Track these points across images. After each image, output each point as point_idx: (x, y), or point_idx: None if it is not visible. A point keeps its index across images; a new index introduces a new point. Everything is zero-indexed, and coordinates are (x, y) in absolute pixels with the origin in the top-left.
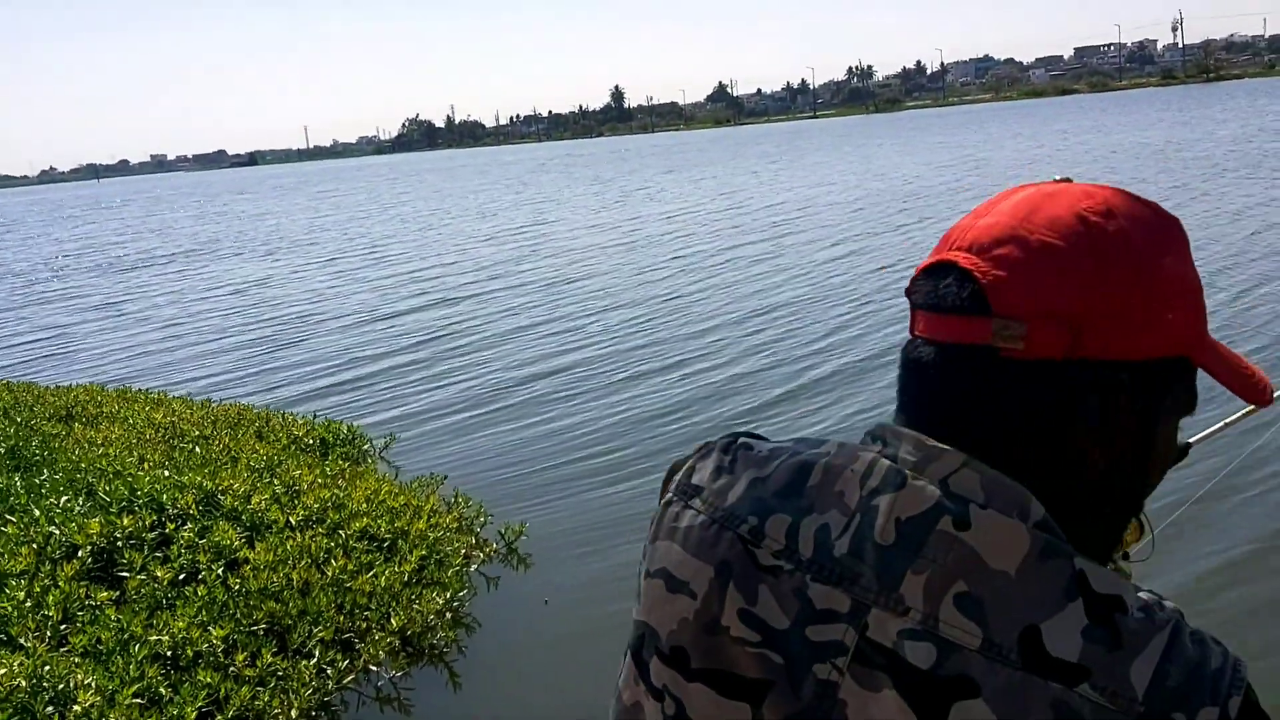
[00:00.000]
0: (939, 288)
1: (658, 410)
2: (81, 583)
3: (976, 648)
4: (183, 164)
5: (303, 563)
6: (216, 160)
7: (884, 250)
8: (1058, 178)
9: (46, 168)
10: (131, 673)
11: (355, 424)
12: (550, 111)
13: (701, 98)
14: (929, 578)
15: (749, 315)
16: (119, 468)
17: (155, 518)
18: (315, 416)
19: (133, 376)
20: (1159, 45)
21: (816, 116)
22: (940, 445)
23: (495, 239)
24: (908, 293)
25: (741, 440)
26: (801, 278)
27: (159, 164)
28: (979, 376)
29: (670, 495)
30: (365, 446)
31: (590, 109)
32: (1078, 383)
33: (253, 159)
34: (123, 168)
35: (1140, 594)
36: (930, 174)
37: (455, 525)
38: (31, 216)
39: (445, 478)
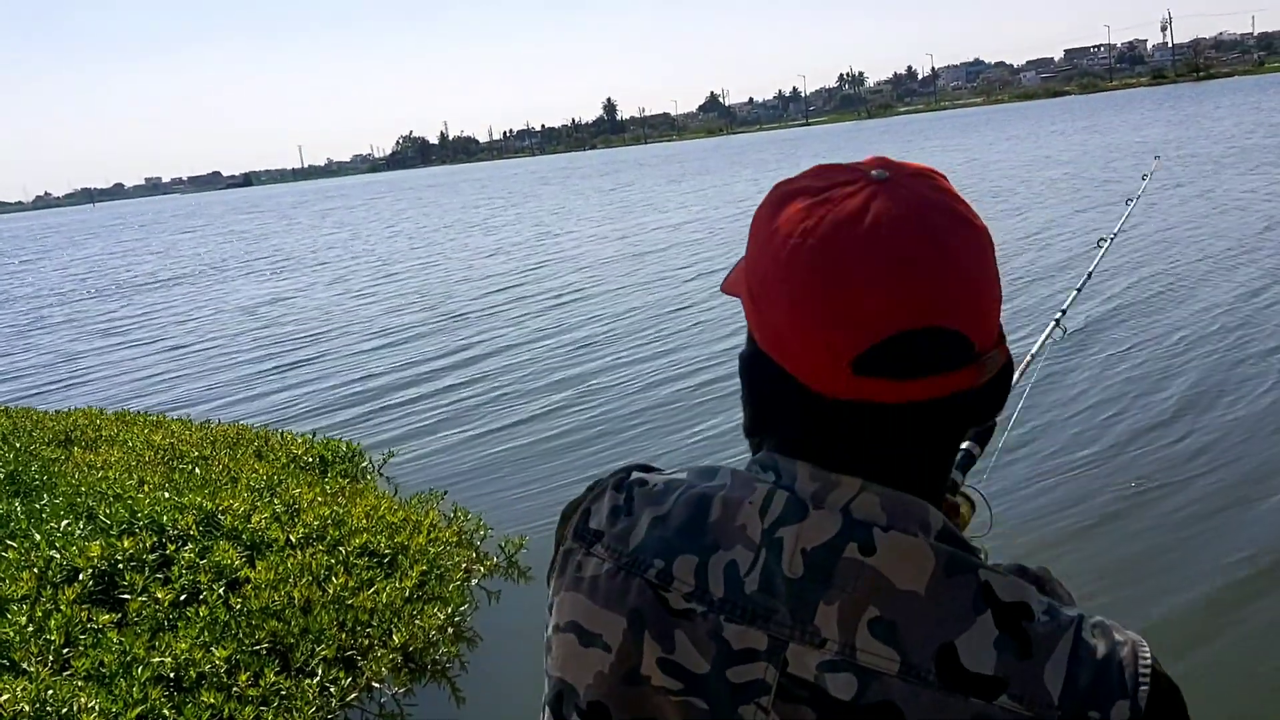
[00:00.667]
0: (914, 355)
1: (661, 422)
2: (83, 606)
3: (895, 672)
4: (178, 186)
5: (304, 581)
6: (211, 182)
7: None
8: (875, 173)
9: (41, 193)
10: (135, 695)
11: (355, 441)
12: (543, 125)
13: (693, 108)
14: (841, 606)
15: None
16: (119, 490)
17: (156, 539)
18: (314, 435)
19: (139, 399)
20: (1149, 45)
21: (809, 124)
22: (835, 474)
23: (500, 253)
24: (860, 367)
25: (635, 476)
26: None
27: (154, 187)
28: (943, 413)
29: (569, 542)
30: (364, 463)
31: (583, 122)
32: (1004, 378)
33: (248, 180)
34: (118, 191)
35: (1041, 595)
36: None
37: (455, 539)
38: (31, 241)
39: (445, 492)
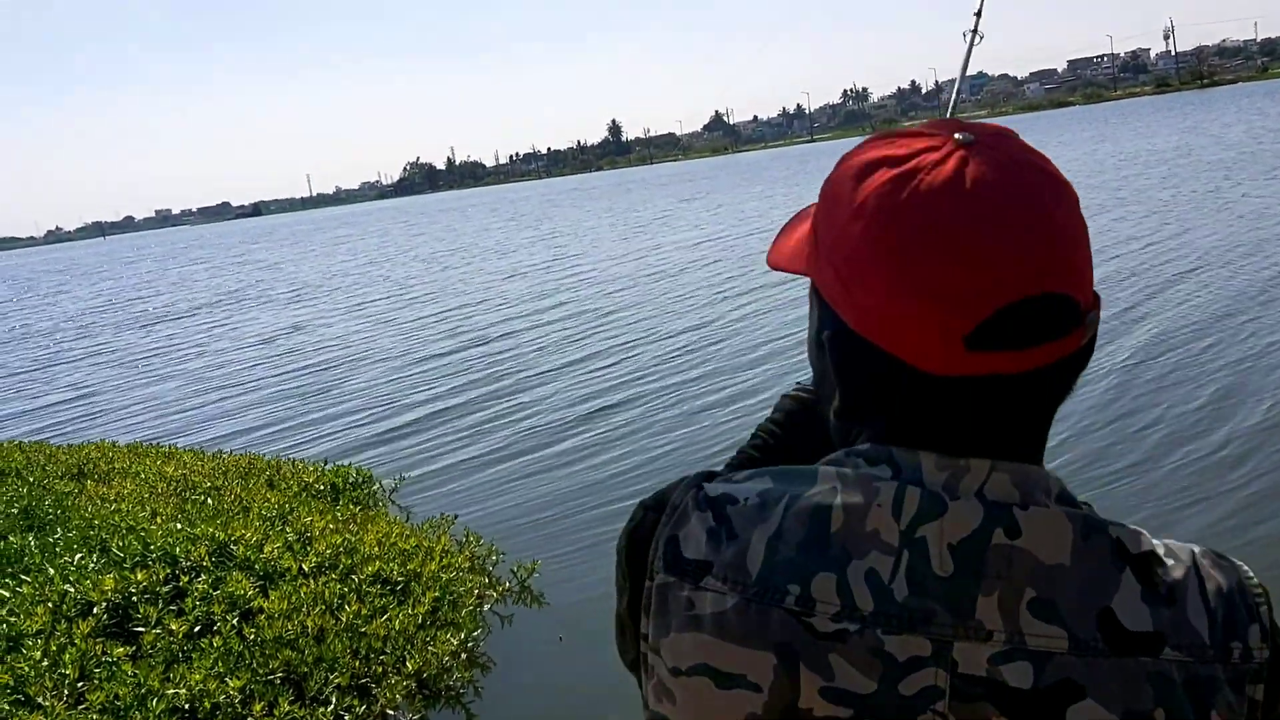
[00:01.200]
0: (1029, 323)
1: (668, 447)
2: (97, 639)
3: (1066, 649)
4: (188, 217)
5: (317, 610)
6: (221, 212)
7: None
8: (959, 137)
9: (53, 227)
10: None
11: (366, 466)
12: (549, 148)
13: (698, 127)
14: (1000, 595)
15: (777, 352)
16: (132, 523)
17: (169, 571)
18: (325, 462)
19: (159, 431)
20: (1152, 54)
21: (814, 140)
22: (962, 460)
23: (516, 275)
24: (974, 342)
25: (717, 491)
26: None
27: (164, 219)
28: (1053, 378)
29: (664, 576)
30: (375, 489)
31: (588, 144)
32: (1092, 337)
33: (257, 209)
34: (128, 224)
35: (1144, 534)
36: None
37: (467, 565)
38: (48, 275)
39: (456, 517)
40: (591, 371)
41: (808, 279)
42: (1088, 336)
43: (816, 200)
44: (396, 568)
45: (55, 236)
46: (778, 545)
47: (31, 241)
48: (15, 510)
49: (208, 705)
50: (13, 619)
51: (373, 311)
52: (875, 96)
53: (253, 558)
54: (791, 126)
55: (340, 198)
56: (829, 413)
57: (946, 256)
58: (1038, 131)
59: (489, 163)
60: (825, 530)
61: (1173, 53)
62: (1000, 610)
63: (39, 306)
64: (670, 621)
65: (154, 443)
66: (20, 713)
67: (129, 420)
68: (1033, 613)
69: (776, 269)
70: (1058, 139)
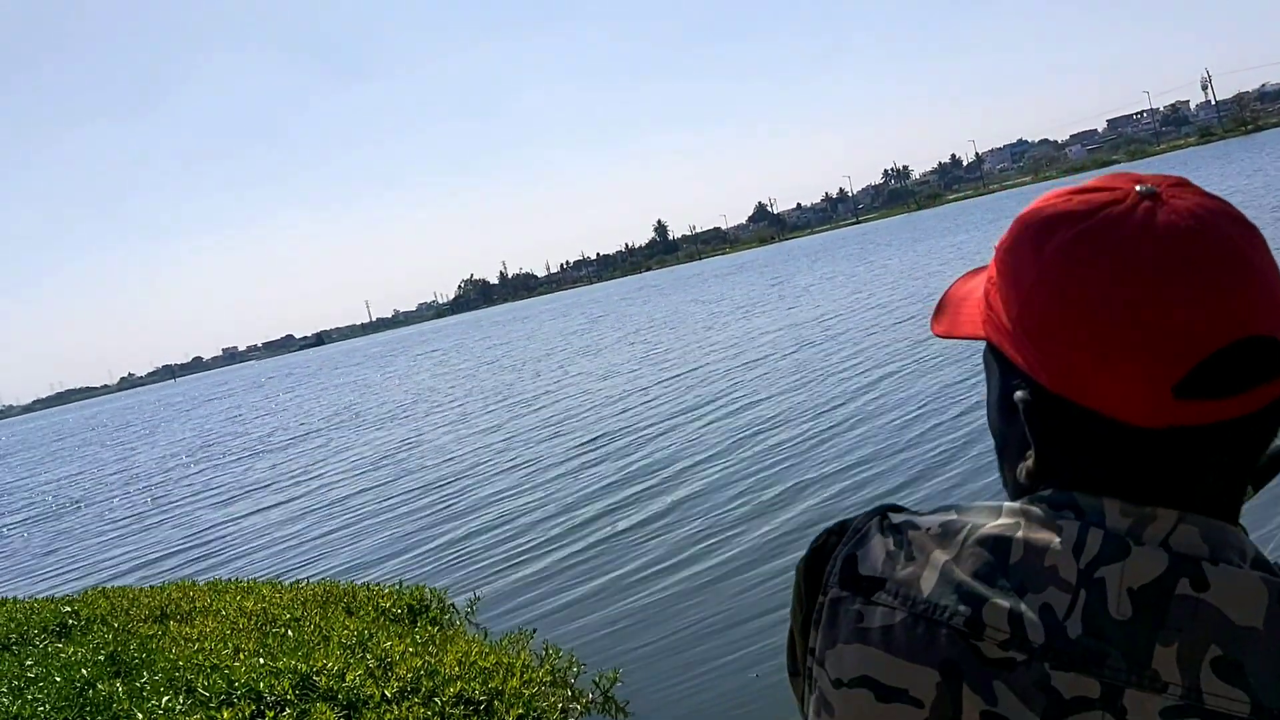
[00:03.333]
0: (1238, 369)
1: (740, 551)
2: None
3: (1246, 714)
4: (253, 353)
5: None
6: (285, 345)
7: None
8: (1140, 189)
9: (125, 374)
10: None
11: (441, 585)
12: (598, 253)
13: (743, 219)
14: (1180, 648)
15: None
16: (215, 661)
17: (254, 707)
18: (401, 584)
19: (233, 565)
20: (1191, 105)
21: (860, 222)
22: (1148, 508)
23: (611, 375)
24: (1183, 391)
25: (901, 519)
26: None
27: (231, 356)
28: (1258, 426)
29: (837, 590)
30: (451, 608)
31: (636, 245)
32: None
33: (320, 339)
34: (196, 364)
35: None
36: None
37: (549, 679)
38: (137, 420)
39: (534, 631)
40: (675, 477)
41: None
42: None
43: (981, 266)
44: (478, 687)
45: (128, 382)
46: (953, 569)
47: (106, 390)
48: (102, 657)
49: None
50: None
51: (447, 428)
52: (917, 173)
53: (335, 688)
54: (836, 210)
55: (399, 320)
56: (1017, 476)
57: (1148, 306)
58: None
59: (540, 272)
60: (1004, 561)
61: (1212, 102)
62: (1179, 663)
63: (134, 446)
64: (838, 634)
65: (234, 578)
66: None
67: (216, 558)
68: (1215, 672)
69: (948, 337)
70: None
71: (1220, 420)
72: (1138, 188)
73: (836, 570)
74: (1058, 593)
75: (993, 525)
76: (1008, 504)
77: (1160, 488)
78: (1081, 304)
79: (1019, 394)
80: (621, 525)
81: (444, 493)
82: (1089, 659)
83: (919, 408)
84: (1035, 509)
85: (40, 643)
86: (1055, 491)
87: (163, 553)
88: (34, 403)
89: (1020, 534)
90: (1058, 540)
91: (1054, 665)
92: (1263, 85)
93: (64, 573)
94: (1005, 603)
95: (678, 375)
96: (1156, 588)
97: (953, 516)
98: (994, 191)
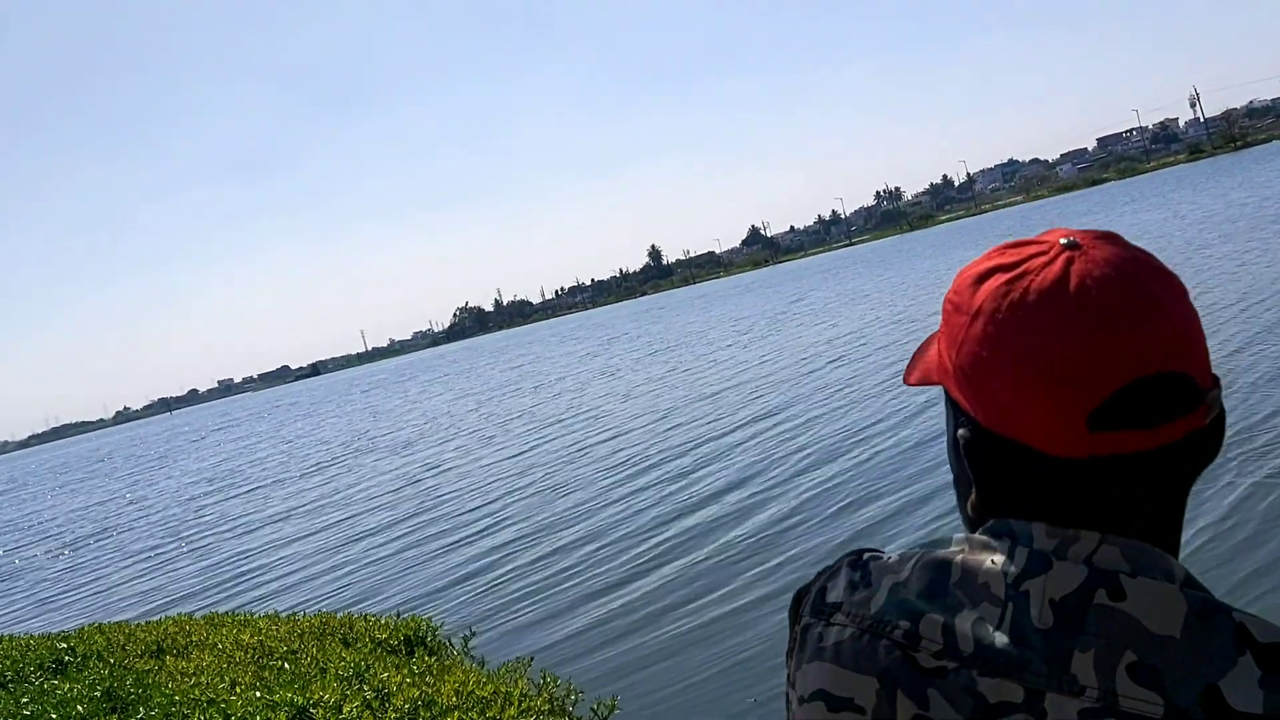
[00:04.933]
0: (1150, 402)
1: (739, 580)
2: None
3: (1160, 716)
4: (249, 385)
5: None
6: (281, 376)
7: None
8: (1064, 241)
9: (120, 408)
10: None
11: (436, 614)
12: (593, 279)
13: (736, 243)
14: (1097, 653)
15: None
16: (211, 695)
17: None
18: (398, 615)
19: (229, 599)
20: (1181, 122)
21: (853, 243)
22: (1071, 530)
23: (631, 396)
24: (1096, 422)
25: (870, 555)
26: None
27: (226, 388)
28: (1177, 457)
29: (807, 618)
30: (448, 638)
31: (630, 270)
32: (1219, 423)
33: (316, 369)
34: (192, 397)
35: None
36: None
37: (547, 708)
38: (140, 453)
39: (532, 659)
40: (681, 506)
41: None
42: (1211, 414)
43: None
44: (476, 717)
45: (123, 416)
46: (900, 590)
47: (101, 424)
48: (98, 693)
49: None
50: None
51: (442, 455)
52: (909, 194)
53: None
54: (829, 233)
55: (395, 349)
56: (967, 510)
57: (1062, 342)
58: (1101, 208)
59: (535, 299)
60: (945, 581)
61: (1201, 119)
62: (1096, 668)
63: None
64: (804, 656)
65: (234, 611)
66: None
67: (197, 591)
68: (1130, 675)
69: (916, 385)
70: (1121, 210)
71: (1140, 451)
72: (1062, 240)
73: (809, 602)
74: (990, 607)
75: (940, 552)
76: (957, 535)
77: (1084, 513)
78: (1004, 345)
79: (961, 432)
80: (619, 553)
81: (441, 522)
82: (1013, 665)
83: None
84: (977, 537)
85: (36, 680)
86: (996, 522)
87: (164, 587)
88: (29, 438)
89: (960, 558)
90: (991, 561)
91: (981, 672)
92: (1251, 102)
93: (68, 606)
94: (941, 617)
95: (678, 403)
96: (1076, 598)
97: (916, 550)
98: (986, 211)
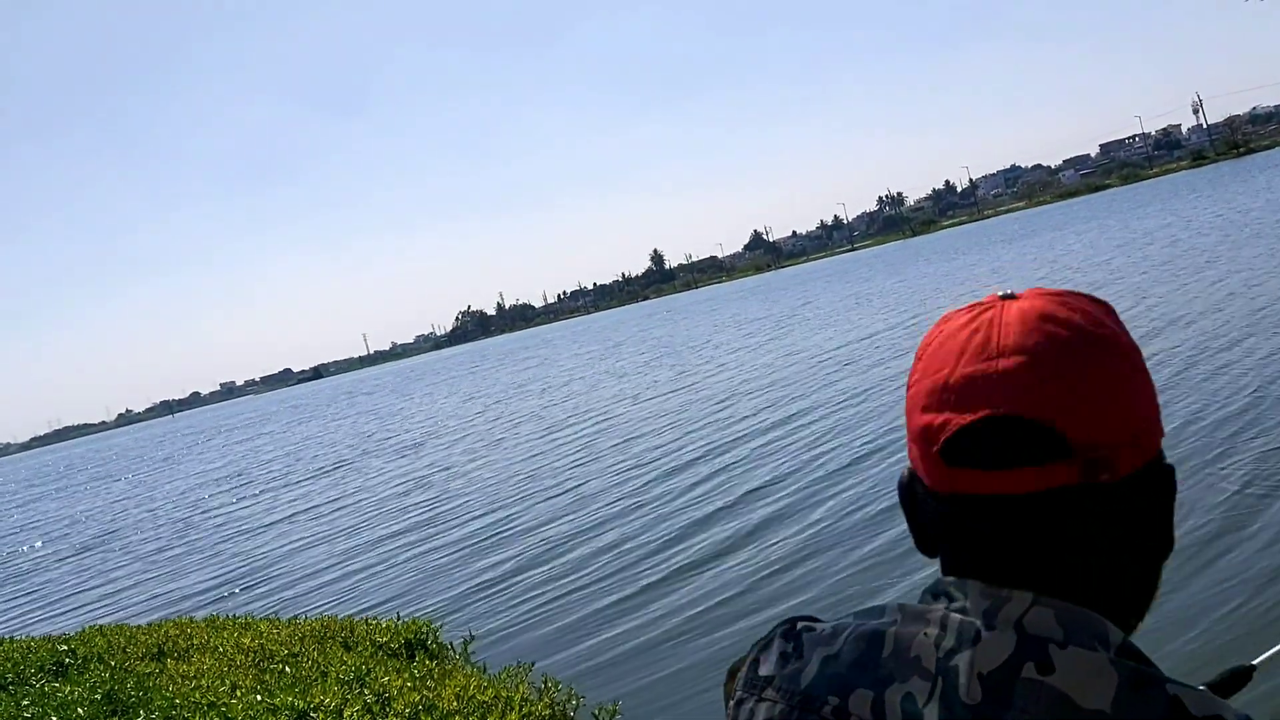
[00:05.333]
0: (999, 444)
1: (741, 585)
2: None
3: None
4: (251, 387)
5: None
6: (283, 379)
7: None
8: (1002, 293)
9: (122, 410)
10: None
11: (437, 618)
12: (595, 283)
13: (739, 248)
14: None
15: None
16: (212, 699)
17: None
18: (398, 618)
19: (228, 602)
20: (1183, 128)
21: (855, 248)
22: (1005, 590)
23: (639, 399)
24: (949, 455)
25: (802, 624)
26: None
27: (228, 390)
28: (1063, 515)
29: (740, 693)
30: (448, 641)
31: (632, 274)
32: (1154, 489)
33: (318, 372)
34: (194, 399)
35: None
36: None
37: (548, 712)
38: (146, 454)
39: (533, 664)
40: (685, 509)
41: None
42: (1093, 476)
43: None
44: None
45: (126, 419)
46: (831, 664)
47: (103, 426)
48: (99, 696)
49: None
50: None
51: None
52: (911, 199)
53: None
54: (831, 238)
55: (397, 353)
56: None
57: (934, 371)
58: (1097, 210)
59: (537, 303)
60: (877, 654)
61: (1204, 125)
62: None
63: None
64: None
65: (232, 614)
66: None
67: (198, 593)
68: None
69: None
70: (1131, 216)
71: (996, 494)
72: (999, 293)
73: (743, 676)
74: (920, 681)
75: (875, 623)
76: (891, 603)
77: (1012, 569)
78: (914, 378)
79: (901, 473)
80: (623, 558)
81: (443, 525)
82: None
83: None
84: (911, 606)
85: (37, 682)
86: (938, 579)
87: (165, 589)
88: (31, 440)
89: (893, 630)
90: (924, 633)
91: None
92: (1254, 108)
93: (70, 611)
94: (870, 692)
95: (686, 407)
96: (1004, 671)
97: (847, 620)
98: (989, 217)
